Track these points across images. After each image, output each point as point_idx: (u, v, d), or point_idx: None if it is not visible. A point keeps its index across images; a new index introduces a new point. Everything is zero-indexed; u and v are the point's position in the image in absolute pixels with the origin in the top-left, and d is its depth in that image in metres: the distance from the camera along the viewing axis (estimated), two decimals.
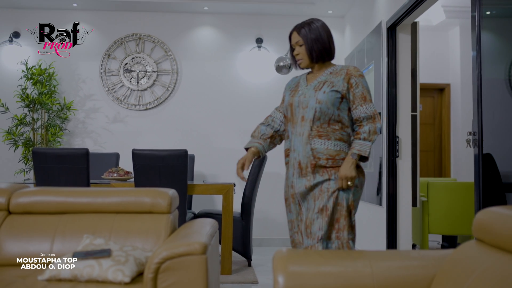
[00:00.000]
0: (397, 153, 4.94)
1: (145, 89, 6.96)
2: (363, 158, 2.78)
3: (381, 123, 2.47)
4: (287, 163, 2.93)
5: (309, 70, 3.05)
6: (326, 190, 2.73)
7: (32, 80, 6.48)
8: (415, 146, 4.96)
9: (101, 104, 6.93)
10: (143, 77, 6.96)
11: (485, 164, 3.17)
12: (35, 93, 6.56)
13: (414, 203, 4.96)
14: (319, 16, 7.01)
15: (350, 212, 2.76)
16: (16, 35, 6.83)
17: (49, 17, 6.87)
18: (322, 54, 2.90)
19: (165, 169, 4.58)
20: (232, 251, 5.14)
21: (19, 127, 6.49)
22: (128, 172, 4.91)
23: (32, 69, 6.53)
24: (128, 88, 6.94)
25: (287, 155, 2.94)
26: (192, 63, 7.01)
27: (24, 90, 6.48)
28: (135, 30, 6.99)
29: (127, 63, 6.94)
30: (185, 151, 4.62)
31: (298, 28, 2.94)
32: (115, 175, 4.83)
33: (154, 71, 6.95)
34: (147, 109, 6.94)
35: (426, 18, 6.31)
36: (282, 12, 6.92)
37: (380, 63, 5.24)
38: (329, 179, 2.75)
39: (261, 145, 3.02)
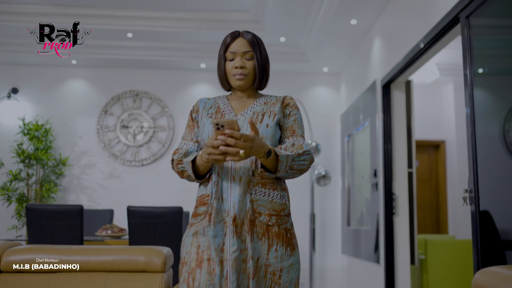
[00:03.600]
0: (393, 210, 4.91)
1: (141, 145, 6.97)
2: (270, 171, 2.06)
3: (312, 158, 2.12)
4: (200, 215, 2.10)
5: (228, 93, 2.43)
6: (266, 271, 2.01)
7: (28, 136, 6.49)
8: (412, 203, 4.94)
9: (97, 160, 6.92)
10: (140, 133, 6.98)
11: (482, 222, 3.14)
12: (31, 149, 6.56)
13: (412, 261, 4.89)
14: (314, 73, 7.15)
15: None
16: (15, 91, 6.90)
17: (49, 74, 6.96)
18: (266, 79, 2.28)
19: (160, 226, 4.53)
20: None
21: (13, 183, 6.45)
22: (122, 229, 4.86)
23: (29, 124, 6.56)
24: (125, 144, 6.95)
25: (203, 203, 2.12)
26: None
27: (20, 146, 6.49)
28: (133, 87, 7.07)
29: (123, 119, 6.99)
30: (180, 208, 4.58)
31: (248, 36, 2.22)
32: (109, 232, 4.77)
33: (150, 127, 6.99)
34: (143, 165, 6.93)
35: (420, 76, 6.42)
36: (277, 69, 7.02)
37: (375, 120, 5.28)
38: (269, 249, 2.02)
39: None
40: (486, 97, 3.34)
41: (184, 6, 5.92)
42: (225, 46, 2.22)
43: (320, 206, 6.96)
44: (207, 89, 7.08)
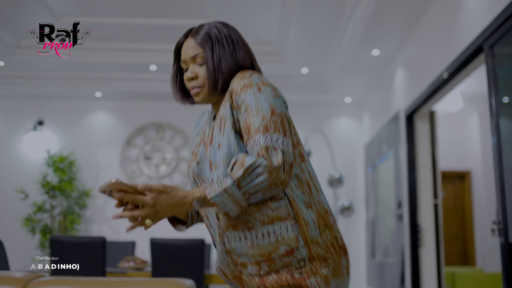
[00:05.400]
0: (419, 242, 4.81)
1: (164, 177, 6.99)
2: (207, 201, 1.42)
3: (273, 162, 1.36)
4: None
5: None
6: None
7: (53, 167, 6.57)
8: (438, 234, 4.84)
9: None
10: (162, 165, 7.01)
11: None
12: (55, 180, 6.62)
13: None
14: (337, 104, 7.13)
15: None
16: (40, 123, 7.01)
17: (73, 106, 7.08)
18: (224, 80, 1.58)
19: (182, 258, 4.51)
20: None
21: (37, 214, 6.51)
22: (144, 261, 4.84)
23: (54, 156, 6.64)
24: (147, 175, 6.98)
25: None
26: None
27: (44, 177, 6.56)
28: (156, 119, 7.13)
29: (147, 151, 7.03)
30: (202, 241, 4.56)
31: (198, 32, 1.63)
32: (131, 263, 4.75)
33: (173, 159, 7.01)
34: None
35: (444, 105, 6.37)
36: (300, 100, 7.03)
37: (399, 151, 5.23)
38: None
39: None
40: None
41: None
42: (175, 52, 1.70)
43: (344, 238, 6.83)
44: None
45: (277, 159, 1.38)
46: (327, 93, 6.79)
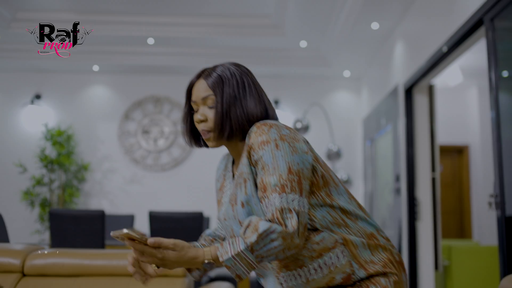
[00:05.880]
0: (416, 216, 4.85)
1: (162, 150, 7.00)
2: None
3: (287, 227, 1.34)
4: None
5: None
6: None
7: (51, 141, 6.57)
8: (436, 208, 4.87)
9: (118, 165, 6.97)
10: (161, 138, 7.01)
11: (508, 227, 3.08)
12: (53, 154, 6.63)
13: (436, 267, 4.82)
14: (335, 77, 7.11)
15: None
16: (38, 97, 6.98)
17: (71, 80, 7.04)
18: (233, 127, 1.55)
19: (181, 231, 4.54)
20: None
21: (36, 188, 6.53)
22: (143, 234, 4.87)
23: (52, 130, 6.63)
24: (146, 149, 6.98)
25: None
26: None
27: (43, 151, 6.56)
28: (154, 92, 7.11)
29: (145, 125, 7.02)
30: (200, 214, 4.58)
31: (210, 74, 1.62)
32: None
33: (171, 133, 7.01)
34: (164, 170, 6.96)
35: (443, 80, 6.35)
36: (299, 74, 7.01)
37: (397, 125, 5.23)
38: None
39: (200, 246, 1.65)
40: (511, 100, 3.28)
41: (205, 11, 5.94)
42: (187, 92, 1.67)
43: None
44: None
45: (292, 223, 1.35)
46: (326, 67, 6.76)
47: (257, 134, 1.45)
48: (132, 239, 1.37)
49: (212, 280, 5.36)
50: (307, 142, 1.54)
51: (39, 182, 6.50)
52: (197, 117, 1.58)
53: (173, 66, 6.86)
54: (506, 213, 3.08)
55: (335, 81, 7.21)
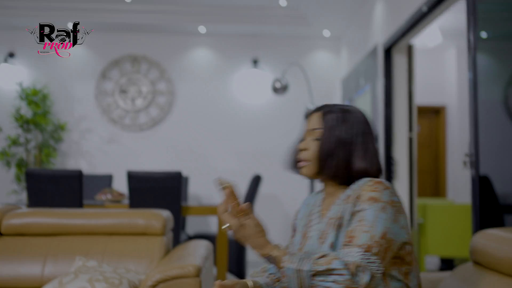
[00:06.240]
0: (393, 175, 4.91)
1: (140, 110, 6.94)
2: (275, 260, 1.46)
3: (356, 280, 1.35)
4: None
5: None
6: None
7: (26, 101, 6.46)
8: (412, 168, 4.94)
9: (96, 125, 6.90)
10: (138, 98, 6.94)
11: (482, 186, 3.15)
12: (29, 114, 6.53)
13: (411, 225, 4.93)
14: (315, 37, 7.06)
15: None
16: (11, 55, 6.82)
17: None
18: (333, 168, 1.59)
19: (160, 190, 4.54)
20: (228, 273, 5.08)
21: (12, 148, 6.45)
22: (121, 194, 4.87)
23: (27, 89, 6.51)
24: (123, 108, 6.91)
25: None
26: (188, 83, 7.01)
27: (18, 111, 6.46)
28: (131, 51, 7.00)
29: (122, 84, 6.94)
30: (179, 173, 4.58)
31: (328, 109, 1.65)
32: (108, 196, 4.78)
33: (149, 92, 6.94)
34: (142, 130, 6.91)
35: (422, 41, 6.34)
36: (278, 33, 6.94)
37: (376, 85, 5.24)
38: None
39: (263, 284, 1.71)
40: (489, 62, 3.31)
41: None
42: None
43: None
44: (206, 53, 7.01)
45: (363, 279, 1.36)
46: (306, 26, 6.70)
47: (370, 189, 1.48)
48: (230, 193, 1.46)
49: (191, 238, 5.41)
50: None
51: (14, 142, 6.41)
52: (300, 144, 1.65)
53: (151, 25, 6.74)
54: (480, 172, 3.14)
55: (314, 41, 7.17)
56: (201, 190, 6.78)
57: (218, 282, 1.53)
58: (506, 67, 3.19)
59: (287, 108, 6.94)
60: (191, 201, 6.43)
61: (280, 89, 6.01)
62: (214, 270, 4.98)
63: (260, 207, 6.50)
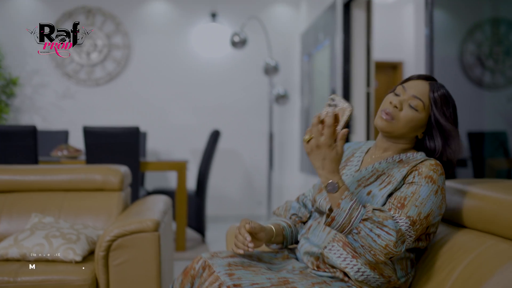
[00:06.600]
0: (350, 129, 4.98)
1: (96, 64, 6.77)
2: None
3: (396, 245, 1.42)
4: None
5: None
6: None
7: None
8: (369, 122, 5.02)
9: (50, 80, 6.70)
10: (94, 52, 6.76)
11: None
12: None
13: None
14: None
15: None
16: None
17: None
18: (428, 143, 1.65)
19: (117, 146, 4.49)
20: (187, 228, 5.11)
21: None
22: (78, 150, 4.79)
23: None
24: (78, 63, 6.73)
25: None
26: (144, 37, 6.85)
27: None
28: (85, 3, 6.76)
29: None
30: (137, 128, 4.53)
31: (435, 87, 1.64)
32: (64, 152, 4.70)
33: (105, 46, 6.76)
34: (98, 84, 6.76)
35: None
36: None
37: (335, 40, 5.24)
38: None
39: (286, 227, 1.82)
40: (445, 18, 3.34)
41: None
42: (405, 80, 1.71)
43: (279, 126, 7.01)
44: (163, 5, 6.83)
45: (401, 248, 1.44)
46: None
47: (431, 168, 1.53)
48: (336, 116, 1.49)
49: (150, 193, 5.39)
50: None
51: None
52: (393, 100, 1.62)
53: None
54: None
55: None
56: (159, 145, 6.73)
57: (246, 224, 1.62)
58: (462, 23, 3.23)
59: (246, 63, 6.89)
60: (150, 157, 6.39)
61: (238, 43, 5.94)
62: (174, 225, 5.01)
63: (220, 162, 6.52)
